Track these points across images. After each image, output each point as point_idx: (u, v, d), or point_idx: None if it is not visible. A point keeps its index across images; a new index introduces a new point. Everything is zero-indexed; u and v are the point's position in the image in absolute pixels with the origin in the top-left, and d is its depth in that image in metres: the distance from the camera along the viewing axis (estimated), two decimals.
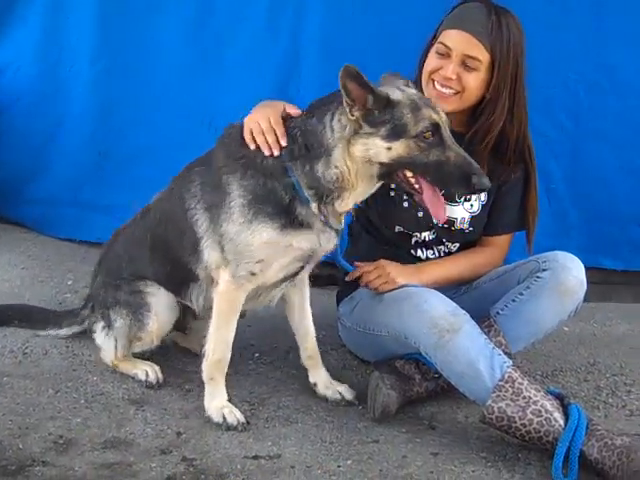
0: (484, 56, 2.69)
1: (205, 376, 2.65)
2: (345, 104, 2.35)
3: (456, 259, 2.97)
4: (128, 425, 2.57)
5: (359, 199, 2.56)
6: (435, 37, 2.80)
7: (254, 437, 2.53)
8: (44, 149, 4.17)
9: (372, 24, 3.57)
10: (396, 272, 2.81)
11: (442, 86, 2.74)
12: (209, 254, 2.61)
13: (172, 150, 3.71)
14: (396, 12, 3.53)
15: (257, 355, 3.13)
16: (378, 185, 2.53)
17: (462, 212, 2.92)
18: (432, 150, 2.36)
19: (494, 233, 2.96)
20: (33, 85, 4.11)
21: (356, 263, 2.88)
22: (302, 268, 2.68)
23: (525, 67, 2.77)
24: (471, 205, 2.91)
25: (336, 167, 2.42)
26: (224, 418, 2.59)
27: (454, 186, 2.43)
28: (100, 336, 2.91)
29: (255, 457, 2.42)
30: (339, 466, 2.39)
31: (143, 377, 2.83)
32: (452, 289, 3.00)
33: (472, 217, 2.92)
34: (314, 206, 2.47)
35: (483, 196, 2.91)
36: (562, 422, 2.37)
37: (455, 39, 2.69)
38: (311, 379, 2.86)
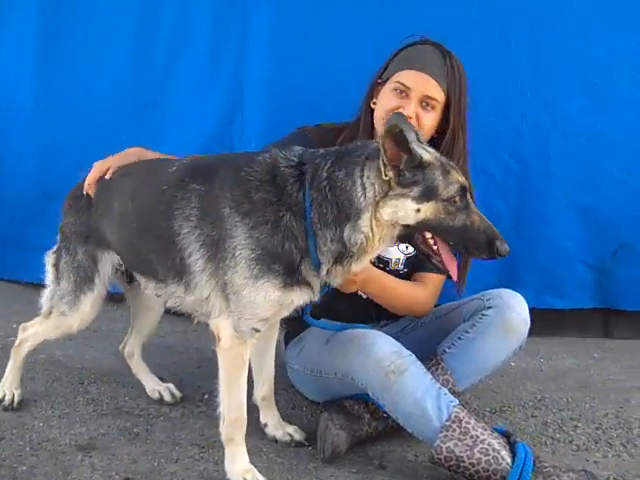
0: (441, 97, 2.74)
1: (224, 438, 2.51)
2: (381, 163, 2.24)
3: (404, 287, 2.91)
4: (75, 472, 2.52)
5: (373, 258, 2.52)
6: (381, 75, 2.83)
7: None
8: None
9: (316, 61, 3.59)
10: (364, 284, 2.75)
11: None
12: (212, 300, 2.45)
13: None
14: (339, 49, 3.56)
15: (206, 397, 3.10)
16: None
17: (397, 253, 2.94)
18: (458, 214, 2.29)
19: (423, 270, 2.93)
20: None
21: None
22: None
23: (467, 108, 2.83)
24: (406, 247, 2.92)
25: (362, 231, 2.30)
26: None
27: (477, 251, 2.33)
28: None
29: None
30: None
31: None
32: (397, 328, 3.02)
33: (407, 258, 2.95)
34: (324, 269, 2.37)
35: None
36: (509, 460, 2.40)
37: (415, 80, 2.73)
38: (262, 419, 2.83)
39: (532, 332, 2.78)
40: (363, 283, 2.72)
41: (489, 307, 2.75)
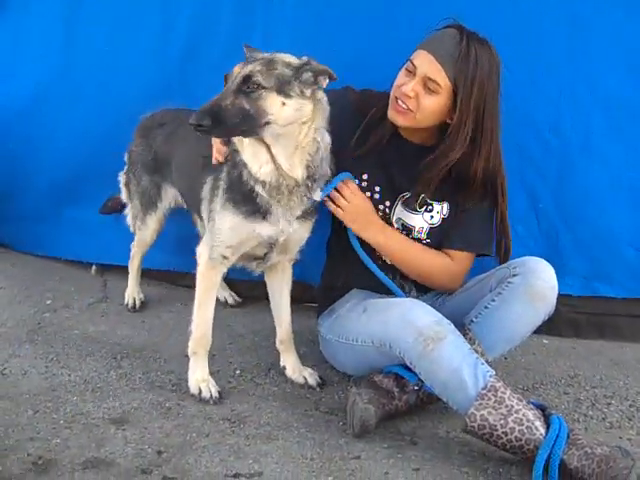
0: (444, 82, 2.70)
1: (189, 351, 2.89)
2: None
3: (419, 248, 2.93)
4: (108, 445, 2.55)
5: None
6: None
7: (235, 455, 2.52)
8: (21, 165, 4.14)
9: (341, 46, 3.47)
10: (359, 216, 2.83)
11: (401, 101, 2.76)
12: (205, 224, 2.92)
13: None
14: (366, 34, 3.45)
15: (238, 372, 3.12)
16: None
17: (421, 222, 2.93)
18: None
19: (449, 247, 2.93)
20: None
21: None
22: (269, 252, 2.85)
23: (498, 101, 2.76)
24: (431, 217, 2.93)
25: None
26: (200, 391, 2.84)
27: None
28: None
29: (236, 475, 2.41)
30: None
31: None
32: (428, 301, 2.99)
33: (431, 229, 2.94)
34: (270, 194, 2.67)
35: (445, 209, 2.93)
36: (543, 431, 2.39)
37: (420, 59, 2.72)
38: (281, 362, 3.08)
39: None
40: (354, 214, 2.81)
41: (514, 275, 2.73)
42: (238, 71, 2.53)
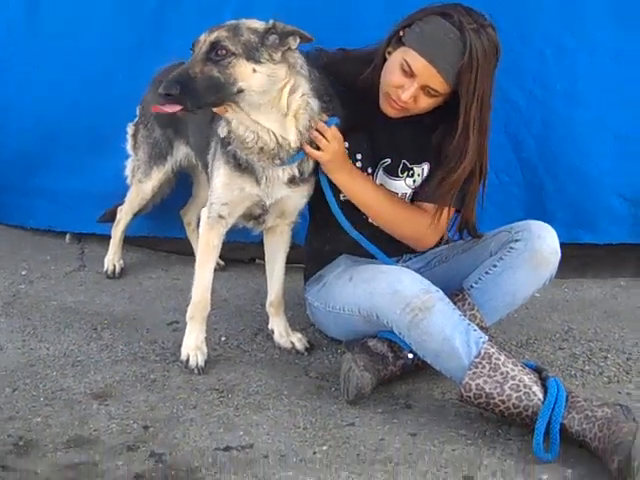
0: (445, 90, 2.59)
1: (187, 316, 2.84)
2: None
3: (389, 196, 2.82)
4: (91, 422, 2.45)
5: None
6: (404, 29, 2.64)
7: (224, 427, 2.44)
8: None
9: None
10: (336, 156, 2.69)
11: (394, 101, 2.65)
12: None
13: (116, 134, 3.60)
14: None
15: (224, 339, 3.03)
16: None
17: (404, 187, 2.84)
18: None
19: (421, 200, 2.83)
20: None
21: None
22: (264, 214, 2.81)
23: (493, 90, 2.66)
24: (414, 181, 2.84)
25: None
26: (187, 359, 2.79)
27: None
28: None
29: (227, 448, 2.33)
30: (315, 452, 2.31)
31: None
32: (421, 262, 2.94)
33: (414, 192, 2.85)
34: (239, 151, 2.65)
35: (426, 170, 2.83)
36: (541, 396, 2.32)
37: (421, 69, 2.56)
38: (270, 325, 3.03)
39: (562, 269, 2.69)
40: (332, 154, 2.67)
41: (517, 240, 2.65)
42: (204, 38, 2.45)
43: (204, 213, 2.82)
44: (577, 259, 3.53)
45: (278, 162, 2.63)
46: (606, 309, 3.33)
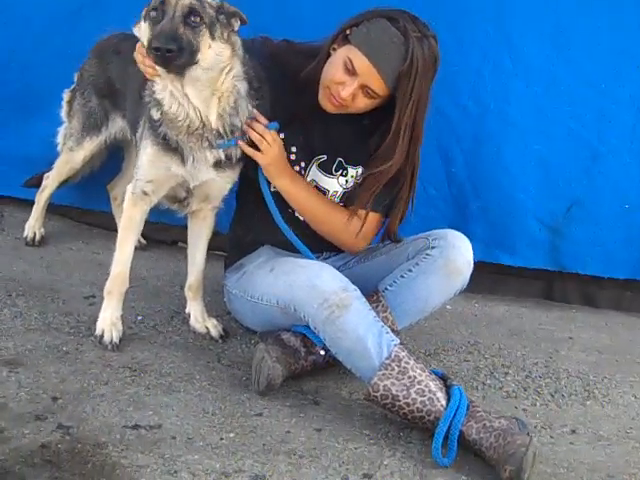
0: (384, 92, 2.66)
1: (105, 290, 2.83)
2: None
3: (329, 203, 2.90)
4: (0, 388, 2.44)
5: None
6: (351, 28, 2.70)
7: (134, 405, 2.46)
8: None
9: None
10: (276, 161, 2.76)
11: (334, 96, 2.70)
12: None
13: (46, 98, 3.59)
14: None
15: (140, 318, 3.04)
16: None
17: (335, 185, 2.91)
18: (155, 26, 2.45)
19: (355, 205, 2.87)
20: None
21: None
22: (188, 197, 2.83)
23: (430, 98, 2.73)
24: (346, 181, 2.90)
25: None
26: (102, 334, 2.78)
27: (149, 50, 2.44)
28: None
29: (135, 427, 2.35)
30: (221, 439, 2.35)
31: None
32: (340, 261, 3.00)
33: (344, 193, 2.92)
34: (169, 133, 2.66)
35: (360, 173, 2.89)
36: (444, 402, 2.41)
37: (364, 69, 2.62)
38: (187, 309, 3.04)
39: (474, 284, 2.78)
40: (272, 159, 2.73)
41: (433, 247, 2.75)
42: (176, 1, 2.43)
43: (129, 188, 2.81)
44: (490, 275, 3.65)
45: (206, 144, 2.65)
46: (511, 327, 3.45)
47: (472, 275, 2.78)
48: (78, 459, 2.17)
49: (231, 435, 2.38)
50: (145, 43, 2.48)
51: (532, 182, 3.50)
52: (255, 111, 2.69)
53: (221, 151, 2.68)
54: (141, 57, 2.60)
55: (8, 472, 2.07)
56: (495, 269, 3.66)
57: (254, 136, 2.70)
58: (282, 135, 2.82)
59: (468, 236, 2.80)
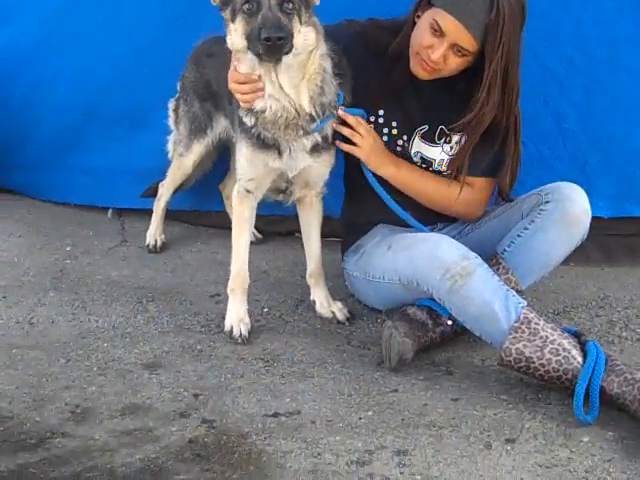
0: (474, 48, 2.61)
1: (228, 289, 2.92)
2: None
3: (436, 179, 2.90)
4: (144, 390, 2.54)
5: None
6: (419, 5, 2.70)
7: (272, 394, 2.51)
8: (29, 111, 4.06)
9: None
10: (374, 151, 2.79)
11: (425, 61, 2.67)
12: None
13: (152, 111, 3.69)
14: None
15: (266, 310, 3.10)
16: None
17: (441, 154, 2.88)
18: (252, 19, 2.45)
19: (467, 173, 2.85)
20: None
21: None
22: (289, 186, 2.87)
23: (521, 47, 2.66)
24: (451, 147, 2.86)
25: None
26: (231, 330, 2.85)
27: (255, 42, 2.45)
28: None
29: (275, 415, 2.40)
30: (360, 418, 2.38)
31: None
32: (454, 231, 2.98)
33: (451, 159, 2.88)
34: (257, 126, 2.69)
35: (464, 139, 2.84)
36: (580, 359, 2.37)
37: (451, 28, 2.58)
38: (311, 296, 3.08)
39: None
40: (370, 150, 2.76)
41: (547, 201, 2.70)
42: None
43: (235, 190, 2.89)
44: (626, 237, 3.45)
45: (301, 132, 2.67)
46: None
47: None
48: (225, 450, 2.24)
49: (369, 413, 2.41)
50: (240, 39, 2.51)
51: None
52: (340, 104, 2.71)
53: (317, 134, 2.70)
54: (236, 85, 2.63)
55: (161, 469, 2.16)
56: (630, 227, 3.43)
57: (346, 131, 2.73)
58: (381, 112, 2.83)
59: (592, 193, 2.71)
